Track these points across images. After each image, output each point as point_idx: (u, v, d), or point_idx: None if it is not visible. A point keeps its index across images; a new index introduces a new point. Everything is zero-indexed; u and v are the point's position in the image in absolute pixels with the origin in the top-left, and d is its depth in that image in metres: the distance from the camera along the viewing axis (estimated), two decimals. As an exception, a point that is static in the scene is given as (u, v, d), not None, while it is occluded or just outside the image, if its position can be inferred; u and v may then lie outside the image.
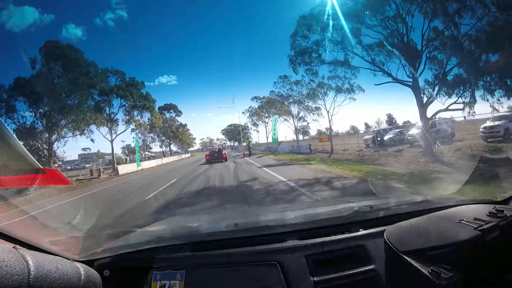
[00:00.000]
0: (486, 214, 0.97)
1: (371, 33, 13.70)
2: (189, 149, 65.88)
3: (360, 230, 1.26)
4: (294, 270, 1.07)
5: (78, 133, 22.00)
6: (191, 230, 1.62)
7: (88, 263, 1.04)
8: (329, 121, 21.54)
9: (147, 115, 28.27)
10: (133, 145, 45.27)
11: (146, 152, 51.99)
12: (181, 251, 1.19)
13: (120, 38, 46.54)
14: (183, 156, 51.42)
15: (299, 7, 27.03)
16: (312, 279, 1.04)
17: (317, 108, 29.84)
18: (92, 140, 24.64)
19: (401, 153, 13.64)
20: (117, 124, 26.34)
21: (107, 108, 24.66)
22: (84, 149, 61.98)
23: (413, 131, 16.99)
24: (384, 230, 1.18)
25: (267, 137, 38.52)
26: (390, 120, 59.86)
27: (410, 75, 13.04)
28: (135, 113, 26.87)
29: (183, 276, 1.06)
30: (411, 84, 13.73)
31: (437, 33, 12.15)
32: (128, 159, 48.18)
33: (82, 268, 0.90)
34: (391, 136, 19.98)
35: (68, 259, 0.94)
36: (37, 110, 19.48)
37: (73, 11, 43.94)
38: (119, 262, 1.16)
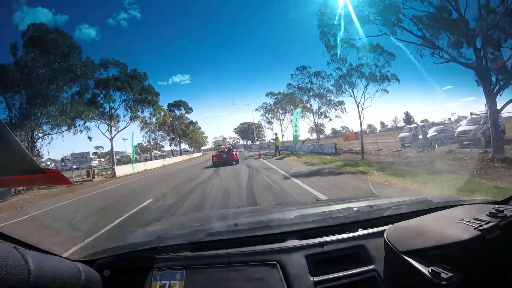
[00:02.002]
0: (486, 214, 0.95)
1: (418, 5, 11.12)
2: (202, 148, 64.80)
3: (360, 230, 1.25)
4: (294, 270, 1.05)
5: (64, 129, 19.20)
6: (191, 230, 1.56)
7: (88, 263, 1.05)
8: (359, 115, 18.04)
9: (149, 110, 25.83)
10: (144, 144, 43.60)
11: (156, 151, 50.38)
12: (181, 251, 1.18)
13: (133, 38, 46.01)
14: (194, 155, 49.74)
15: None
16: (312, 279, 1.03)
17: (341, 103, 26.61)
18: (89, 138, 22.37)
19: (455, 154, 10.89)
20: (118, 120, 24.11)
21: (105, 103, 22.55)
22: (97, 147, 61.35)
23: (464, 128, 14.80)
24: (384, 230, 1.17)
25: (282, 136, 35.52)
26: (408, 118, 57.21)
27: (465, 55, 10.86)
28: (136, 107, 24.27)
29: (183, 276, 1.05)
30: (473, 65, 10.56)
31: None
32: (137, 158, 46.41)
33: (82, 268, 0.90)
34: (434, 133, 16.51)
35: (68, 259, 0.95)
36: (7, 101, 16.25)
37: (86, 11, 43.47)
38: (119, 262, 1.15)
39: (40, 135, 17.35)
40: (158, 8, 52.97)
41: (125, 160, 40.45)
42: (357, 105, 17.76)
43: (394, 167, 9.12)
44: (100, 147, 59.98)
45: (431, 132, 16.75)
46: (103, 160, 50.17)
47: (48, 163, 45.39)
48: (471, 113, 18.68)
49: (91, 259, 1.12)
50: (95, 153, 64.83)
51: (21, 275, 0.63)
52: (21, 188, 14.10)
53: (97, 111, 22.10)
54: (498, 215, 0.91)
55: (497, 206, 0.97)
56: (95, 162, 50.66)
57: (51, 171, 1.07)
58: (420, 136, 15.73)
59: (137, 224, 5.03)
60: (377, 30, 12.57)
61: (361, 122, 18.21)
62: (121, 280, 1.12)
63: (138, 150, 61.48)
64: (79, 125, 21.28)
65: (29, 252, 0.73)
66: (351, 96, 18.08)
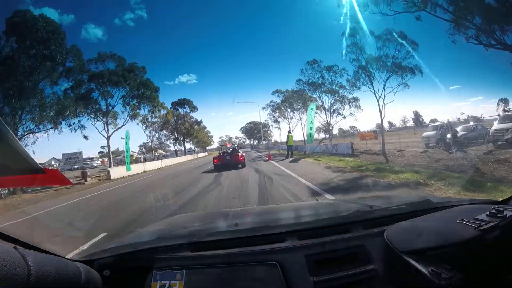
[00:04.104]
0: (486, 214, 0.94)
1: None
2: (208, 148, 64.17)
3: (360, 230, 1.24)
4: (294, 270, 1.05)
5: (50, 126, 17.27)
6: (191, 230, 1.56)
7: (88, 263, 1.04)
8: (380, 111, 16.09)
9: (148, 107, 24.04)
10: (149, 143, 42.46)
11: (160, 151, 49.36)
12: (181, 251, 1.18)
13: (139, 37, 45.69)
14: (199, 155, 48.46)
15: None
16: (312, 279, 1.03)
17: (355, 99, 24.71)
18: (85, 137, 20.83)
19: (495, 155, 9.42)
20: (116, 118, 22.57)
21: (102, 99, 20.97)
22: (103, 146, 60.79)
23: (500, 126, 13.04)
24: (384, 230, 1.17)
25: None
26: (417, 118, 56.53)
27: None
28: (134, 103, 22.54)
29: (183, 276, 1.05)
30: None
31: None
32: (142, 158, 45.39)
33: (82, 268, 0.89)
34: (464, 132, 14.73)
35: (68, 259, 0.94)
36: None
37: (92, 11, 43.02)
38: (119, 262, 1.15)
39: (25, 133, 15.73)
40: (164, 7, 52.10)
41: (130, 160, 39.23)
42: (377, 100, 15.85)
43: (447, 174, 7.02)
44: (106, 146, 59.28)
45: (461, 131, 15.02)
46: (106, 160, 49.22)
47: (53, 162, 44.72)
48: (504, 110, 16.95)
49: (91, 259, 1.11)
50: (100, 152, 64.30)
51: (21, 275, 0.63)
52: (2, 192, 12.79)
53: (91, 108, 20.47)
54: (498, 215, 0.90)
55: (497, 206, 0.96)
56: (97, 162, 49.87)
57: (51, 171, 1.07)
58: (449, 135, 14.04)
59: (137, 225, 4.78)
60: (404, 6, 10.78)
61: (382, 119, 16.31)
62: (121, 280, 1.11)
63: (144, 150, 60.64)
64: (73, 123, 19.79)
65: (30, 252, 0.72)
66: (370, 91, 16.20)
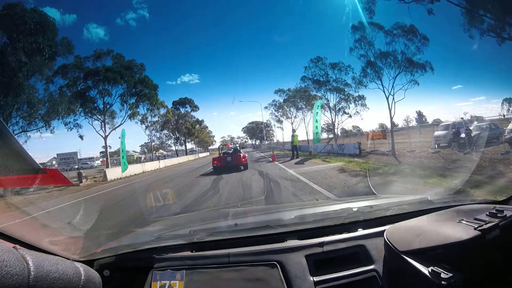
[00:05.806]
0: (486, 214, 0.94)
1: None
2: (210, 147, 63.98)
3: (360, 230, 1.24)
4: (294, 270, 1.05)
5: (42, 124, 16.18)
6: (191, 230, 1.55)
7: (88, 263, 1.04)
8: (390, 109, 15.28)
9: (147, 106, 23.26)
10: (151, 143, 41.94)
11: (162, 151, 49.00)
12: (181, 251, 1.17)
13: (141, 37, 45.58)
14: (200, 155, 47.83)
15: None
16: (312, 279, 1.02)
17: (361, 97, 23.89)
18: (80, 136, 20.09)
19: None
20: (114, 117, 21.87)
21: (100, 98, 20.22)
22: (104, 146, 60.70)
23: None
24: (384, 230, 1.15)
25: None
26: (420, 117, 56.18)
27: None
28: (133, 101, 21.73)
29: (183, 276, 1.04)
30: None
31: None
32: (142, 158, 44.90)
33: (82, 268, 0.89)
34: (478, 132, 14.00)
35: (68, 259, 0.94)
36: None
37: (94, 11, 42.83)
38: (119, 262, 1.15)
39: (15, 132, 14.93)
40: (165, 7, 51.76)
41: (129, 160, 38.45)
42: (387, 98, 15.06)
43: (479, 180, 5.88)
44: (108, 146, 59.00)
45: (475, 131, 14.40)
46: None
47: (54, 162, 44.32)
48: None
49: (91, 259, 1.11)
50: (102, 152, 63.93)
51: (21, 275, 0.63)
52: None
53: (87, 106, 19.71)
54: (498, 215, 0.90)
55: (497, 206, 0.96)
56: (97, 162, 49.35)
57: (51, 171, 1.10)
58: (463, 135, 13.28)
59: (137, 225, 4.68)
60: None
61: (391, 117, 15.52)
62: (121, 280, 1.11)
63: (145, 150, 60.27)
64: (69, 122, 19.07)
65: (29, 252, 0.72)
66: (379, 88, 15.44)
